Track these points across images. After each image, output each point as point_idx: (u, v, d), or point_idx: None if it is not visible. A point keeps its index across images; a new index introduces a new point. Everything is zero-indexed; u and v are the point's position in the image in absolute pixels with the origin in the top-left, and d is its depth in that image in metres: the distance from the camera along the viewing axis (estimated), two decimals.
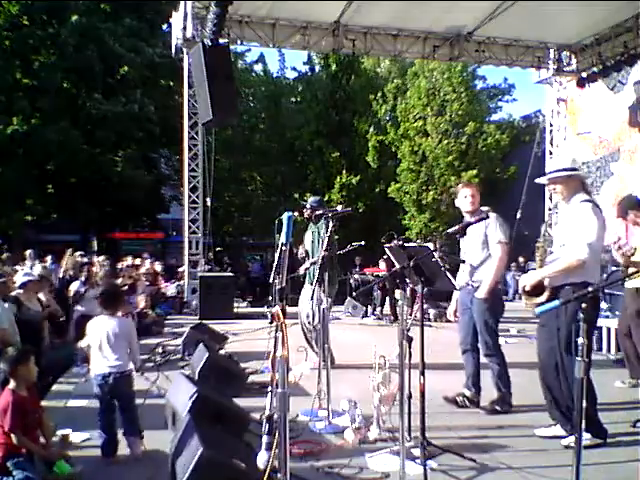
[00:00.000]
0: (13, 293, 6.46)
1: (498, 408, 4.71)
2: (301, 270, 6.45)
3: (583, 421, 2.32)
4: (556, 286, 3.86)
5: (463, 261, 4.84)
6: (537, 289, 3.92)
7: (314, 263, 6.05)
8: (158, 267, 13.10)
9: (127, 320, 4.36)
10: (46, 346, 6.54)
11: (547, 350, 3.96)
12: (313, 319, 6.09)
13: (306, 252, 6.48)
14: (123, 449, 3.82)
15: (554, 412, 4.03)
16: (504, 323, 8.69)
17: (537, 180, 4.30)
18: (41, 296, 6.93)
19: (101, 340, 3.86)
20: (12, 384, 3.42)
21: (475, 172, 19.21)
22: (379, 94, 21.83)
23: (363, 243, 6.46)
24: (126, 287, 9.03)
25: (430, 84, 20.10)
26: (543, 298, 3.90)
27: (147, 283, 11.07)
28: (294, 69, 24.77)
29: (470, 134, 19.89)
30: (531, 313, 4.31)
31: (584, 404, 2.32)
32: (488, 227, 4.70)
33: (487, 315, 4.70)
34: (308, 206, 6.33)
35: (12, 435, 3.27)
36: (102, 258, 11.46)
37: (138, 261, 13.05)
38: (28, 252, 10.32)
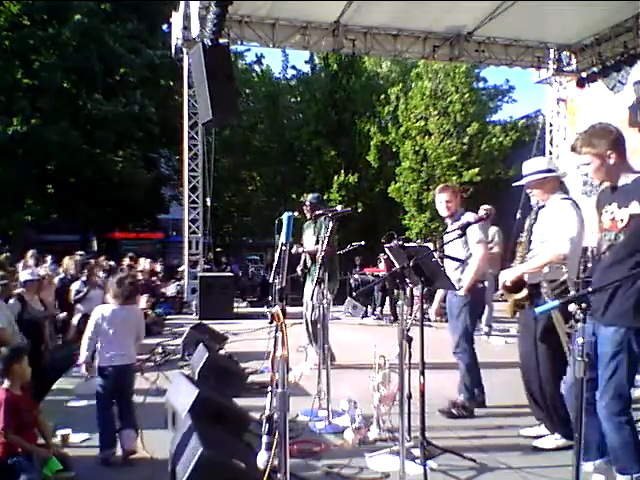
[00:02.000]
0: (17, 291, 6.46)
1: (454, 412, 4.58)
2: (299, 264, 6.41)
3: (583, 420, 2.32)
4: (534, 283, 3.77)
5: (463, 261, 4.84)
6: (517, 285, 3.85)
7: (312, 254, 6.03)
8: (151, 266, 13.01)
9: (138, 309, 4.33)
10: (48, 346, 6.54)
11: (527, 351, 3.94)
12: (312, 315, 6.10)
13: (303, 252, 6.47)
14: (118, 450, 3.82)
15: (537, 412, 4.03)
16: (504, 323, 8.73)
17: (515, 184, 4.17)
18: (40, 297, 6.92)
19: (113, 329, 3.83)
20: (6, 383, 3.41)
21: (477, 171, 19.26)
22: (382, 96, 21.88)
23: (363, 243, 6.46)
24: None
25: (434, 85, 20.14)
26: (523, 294, 3.84)
27: (142, 282, 11.06)
28: (294, 67, 24.90)
29: (473, 134, 19.91)
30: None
31: (582, 405, 2.32)
32: (469, 229, 4.66)
33: (464, 313, 4.64)
34: (307, 203, 6.33)
35: (8, 435, 3.25)
36: (102, 258, 11.47)
37: (146, 262, 12.99)
38: (30, 252, 10.29)
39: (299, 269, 6.47)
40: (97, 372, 3.85)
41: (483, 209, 8.13)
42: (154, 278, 12.26)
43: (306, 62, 24.00)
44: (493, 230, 8.46)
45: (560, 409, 3.77)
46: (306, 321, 6.40)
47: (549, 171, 3.89)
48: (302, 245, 6.44)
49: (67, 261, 9.06)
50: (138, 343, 4.14)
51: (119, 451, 3.78)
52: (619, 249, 2.89)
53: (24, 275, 6.78)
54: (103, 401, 3.82)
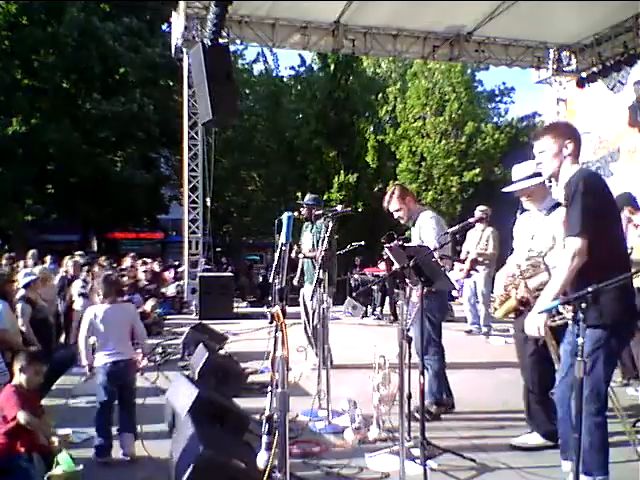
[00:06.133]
0: (21, 294, 6.42)
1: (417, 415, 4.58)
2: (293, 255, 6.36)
3: (582, 420, 2.33)
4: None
5: (463, 261, 4.84)
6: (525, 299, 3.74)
7: (312, 258, 6.01)
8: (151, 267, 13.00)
9: (128, 304, 4.35)
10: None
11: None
12: (313, 318, 6.08)
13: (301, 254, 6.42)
14: (116, 451, 3.82)
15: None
16: (504, 323, 8.72)
17: (505, 189, 4.02)
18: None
19: (107, 328, 3.83)
20: (16, 380, 3.45)
21: (477, 172, 19.27)
22: (380, 95, 21.87)
23: (363, 243, 6.45)
24: (126, 287, 9.05)
25: (430, 84, 20.15)
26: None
27: (146, 283, 11.07)
28: (292, 68, 24.89)
29: (470, 133, 19.92)
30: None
31: (582, 405, 2.33)
32: (422, 230, 4.63)
33: (419, 318, 4.60)
34: (304, 205, 6.28)
35: (22, 415, 3.23)
36: (102, 258, 11.46)
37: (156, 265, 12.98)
38: (31, 252, 10.27)
39: (295, 280, 6.40)
40: (97, 372, 3.85)
41: (479, 210, 8.01)
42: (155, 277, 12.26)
43: (299, 65, 24.00)
44: (488, 231, 8.44)
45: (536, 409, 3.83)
46: (305, 323, 6.39)
47: (536, 175, 3.69)
48: (300, 248, 6.40)
49: (67, 262, 9.05)
50: (143, 341, 4.18)
51: (115, 453, 3.79)
52: None
53: (22, 278, 6.70)
54: (104, 402, 3.79)
